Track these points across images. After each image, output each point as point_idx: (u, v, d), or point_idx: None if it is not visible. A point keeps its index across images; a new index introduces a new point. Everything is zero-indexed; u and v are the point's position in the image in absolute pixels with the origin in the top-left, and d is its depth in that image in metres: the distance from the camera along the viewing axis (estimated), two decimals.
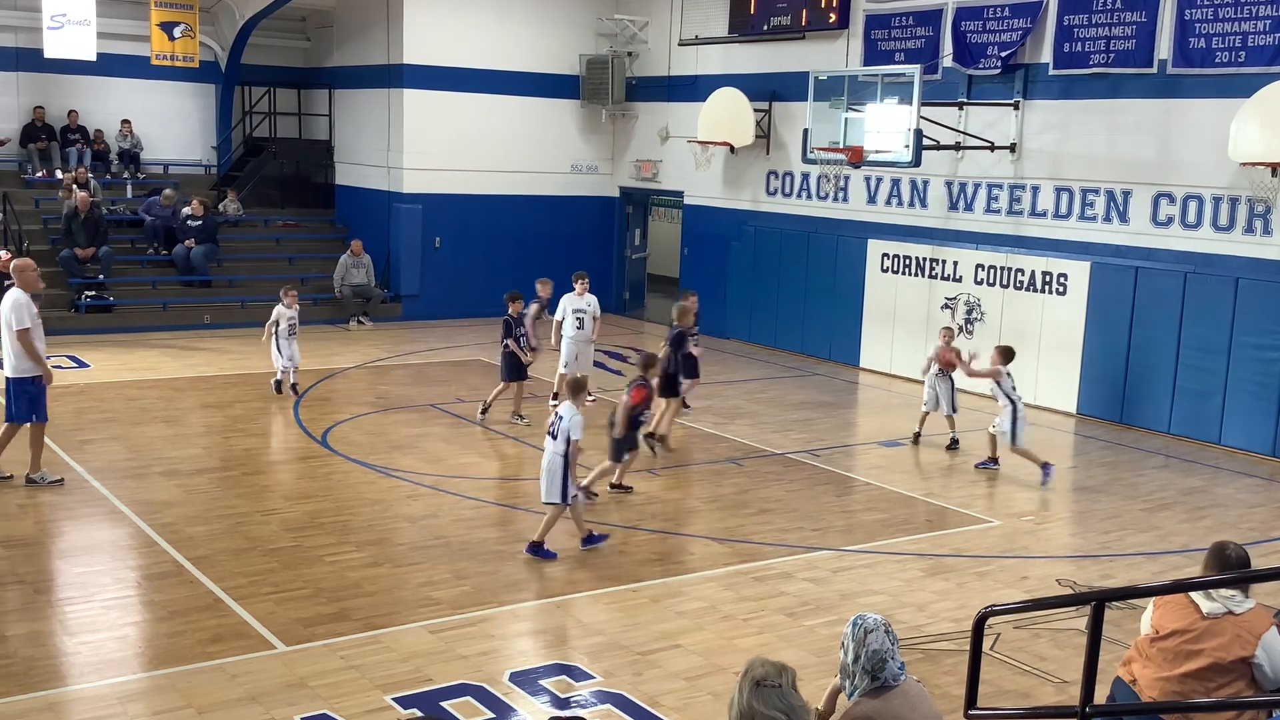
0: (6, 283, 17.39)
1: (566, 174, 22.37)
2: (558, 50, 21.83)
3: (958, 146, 16.16)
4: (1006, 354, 12.43)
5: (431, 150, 20.98)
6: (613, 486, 11.14)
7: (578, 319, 14.35)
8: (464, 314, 21.12)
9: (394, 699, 6.86)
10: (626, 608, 8.46)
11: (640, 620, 8.24)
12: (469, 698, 6.92)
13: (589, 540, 9.57)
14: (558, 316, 14.45)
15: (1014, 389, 12.24)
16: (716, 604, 8.60)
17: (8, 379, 10.76)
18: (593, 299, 14.67)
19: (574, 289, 14.53)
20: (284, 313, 14.63)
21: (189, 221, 20.14)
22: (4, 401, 11.11)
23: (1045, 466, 12.16)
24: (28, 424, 10.68)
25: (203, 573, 8.78)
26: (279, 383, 14.74)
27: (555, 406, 10.24)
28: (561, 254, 22.18)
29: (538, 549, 9.35)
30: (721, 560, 9.60)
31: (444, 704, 6.82)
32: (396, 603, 8.44)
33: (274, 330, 14.60)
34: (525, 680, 7.22)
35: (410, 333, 19.92)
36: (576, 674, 7.35)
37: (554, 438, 9.37)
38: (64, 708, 6.76)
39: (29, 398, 10.62)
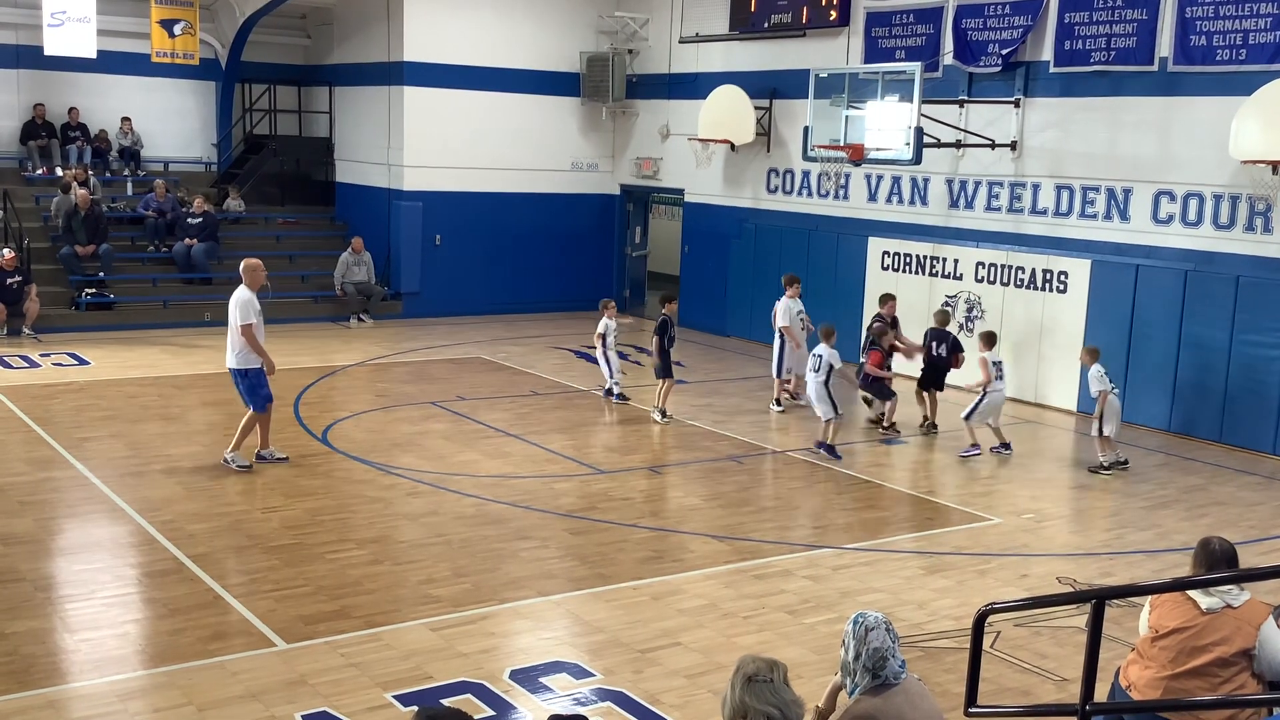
0: (9, 281, 17.53)
1: (567, 171, 22.37)
2: (558, 48, 21.82)
3: (958, 144, 16.16)
4: (990, 339, 13.44)
5: (432, 148, 20.96)
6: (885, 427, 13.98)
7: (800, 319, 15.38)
8: (464, 311, 21.13)
9: (394, 696, 6.86)
10: (627, 605, 8.47)
11: (641, 618, 8.24)
12: (469, 695, 6.92)
13: (830, 450, 12.60)
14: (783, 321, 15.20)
15: (998, 374, 13.12)
16: (717, 602, 8.60)
17: (231, 370, 11.74)
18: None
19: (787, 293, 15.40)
20: (609, 325, 14.74)
21: (189, 219, 20.14)
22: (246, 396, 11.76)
23: (974, 447, 13.08)
24: (267, 408, 11.64)
25: (203, 570, 8.78)
26: (609, 391, 15.05)
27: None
28: (562, 252, 22.25)
29: (830, 449, 12.60)
30: (722, 558, 9.60)
31: (444, 702, 6.82)
32: (397, 600, 8.44)
33: (601, 343, 14.75)
34: (525, 678, 7.22)
35: (411, 330, 19.92)
36: (577, 671, 7.35)
37: (816, 371, 12.92)
38: (64, 705, 6.77)
39: (249, 386, 11.58)
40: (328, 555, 9.25)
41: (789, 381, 15.09)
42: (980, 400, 13.03)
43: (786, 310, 15.20)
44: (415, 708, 6.69)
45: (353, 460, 12.02)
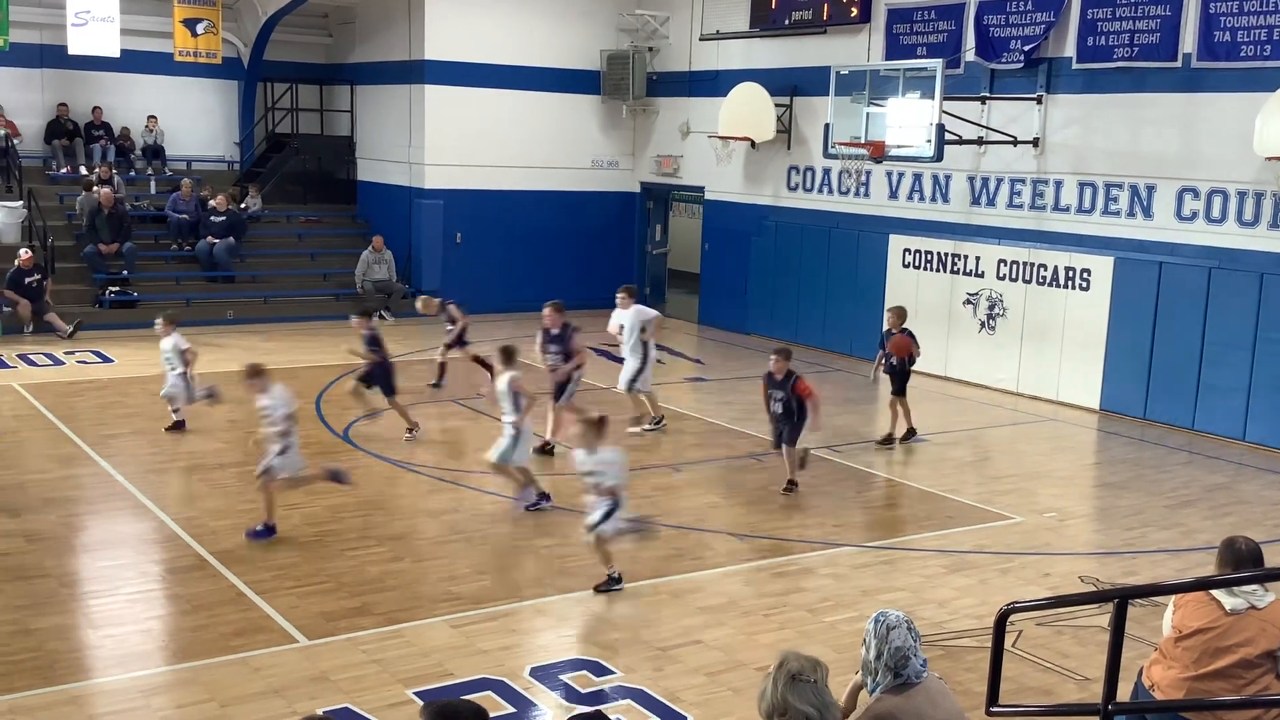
0: (28, 280, 17.66)
1: (587, 169, 22.37)
2: (579, 46, 21.83)
3: (980, 141, 16.08)
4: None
5: (453, 146, 21.00)
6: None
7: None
8: (485, 309, 21.08)
9: (415, 693, 6.88)
10: (647, 603, 8.47)
11: (661, 616, 8.25)
12: (490, 692, 6.93)
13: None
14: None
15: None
16: (737, 600, 8.59)
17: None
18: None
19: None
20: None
21: (212, 217, 20.24)
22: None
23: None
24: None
25: (226, 567, 8.83)
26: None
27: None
28: (582, 249, 22.25)
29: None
30: (742, 556, 9.59)
31: (465, 699, 6.83)
32: (417, 597, 8.47)
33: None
34: (545, 675, 7.23)
35: (431, 328, 19.92)
36: (597, 669, 7.36)
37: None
38: (88, 700, 6.82)
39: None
40: (349, 552, 9.28)
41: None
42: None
43: (619, 320, 13.60)
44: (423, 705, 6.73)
45: (374, 457, 12.05)
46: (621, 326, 13.55)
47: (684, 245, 24.37)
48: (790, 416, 11.16)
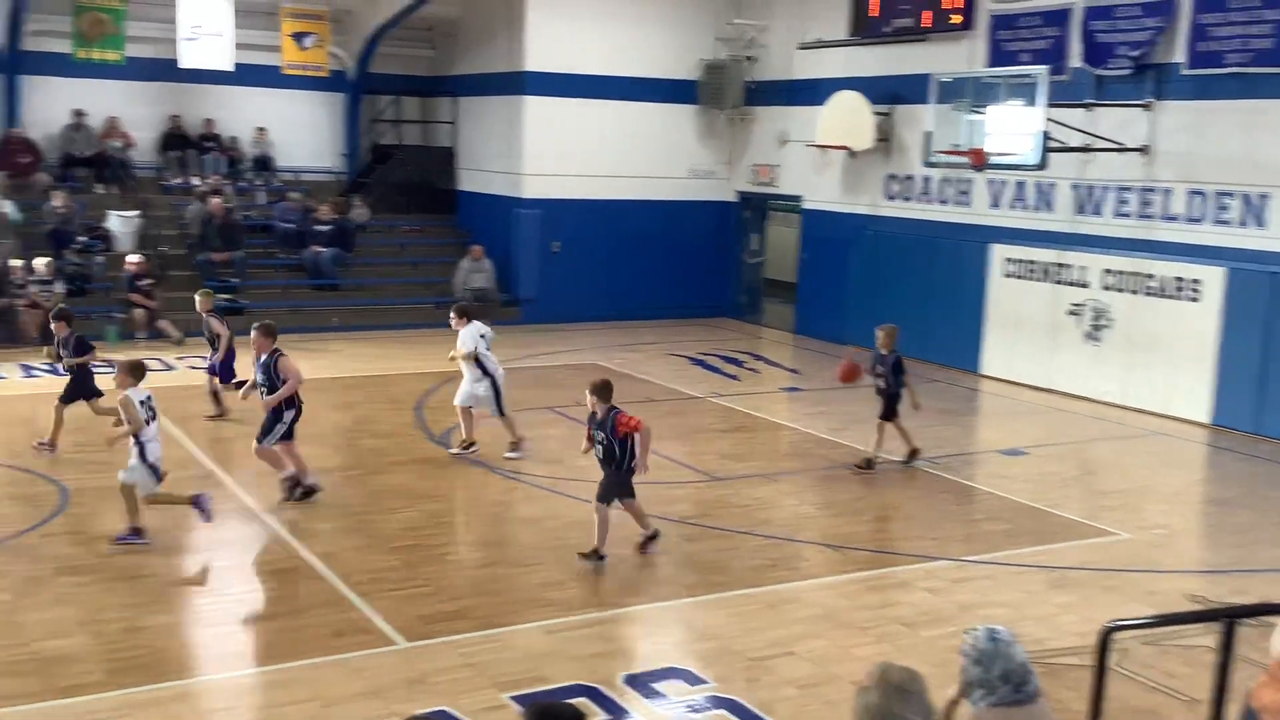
0: (141, 284, 18.25)
1: (684, 179, 22.41)
2: (677, 56, 21.88)
3: (1086, 148, 15.76)
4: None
5: (551, 156, 21.20)
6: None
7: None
8: (581, 318, 21.29)
9: (511, 697, 6.95)
10: (740, 613, 8.44)
11: (754, 626, 8.21)
12: (584, 699, 6.97)
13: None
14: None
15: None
16: (832, 612, 8.52)
17: None
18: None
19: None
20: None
21: (318, 227, 20.70)
22: None
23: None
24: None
25: (328, 568, 9.01)
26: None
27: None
28: (678, 259, 22.29)
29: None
30: (837, 568, 9.51)
31: (565, 701, 6.88)
32: (513, 602, 8.55)
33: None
34: (639, 683, 7.25)
35: (528, 336, 20.15)
36: (690, 678, 7.35)
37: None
38: (194, 697, 7.01)
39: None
40: (447, 556, 9.41)
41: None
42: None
43: (472, 337, 12.40)
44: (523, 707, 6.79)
45: (471, 464, 12.20)
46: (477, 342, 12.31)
47: (780, 254, 24.26)
48: (613, 461, 9.28)
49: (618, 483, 9.31)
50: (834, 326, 20.12)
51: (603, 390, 9.28)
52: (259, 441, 10.64)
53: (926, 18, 18.26)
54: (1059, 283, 16.59)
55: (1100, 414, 15.44)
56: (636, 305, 21.88)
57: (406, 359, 17.66)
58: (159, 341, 18.12)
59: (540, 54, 20.92)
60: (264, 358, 10.62)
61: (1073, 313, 16.37)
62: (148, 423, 9.43)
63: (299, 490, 10.58)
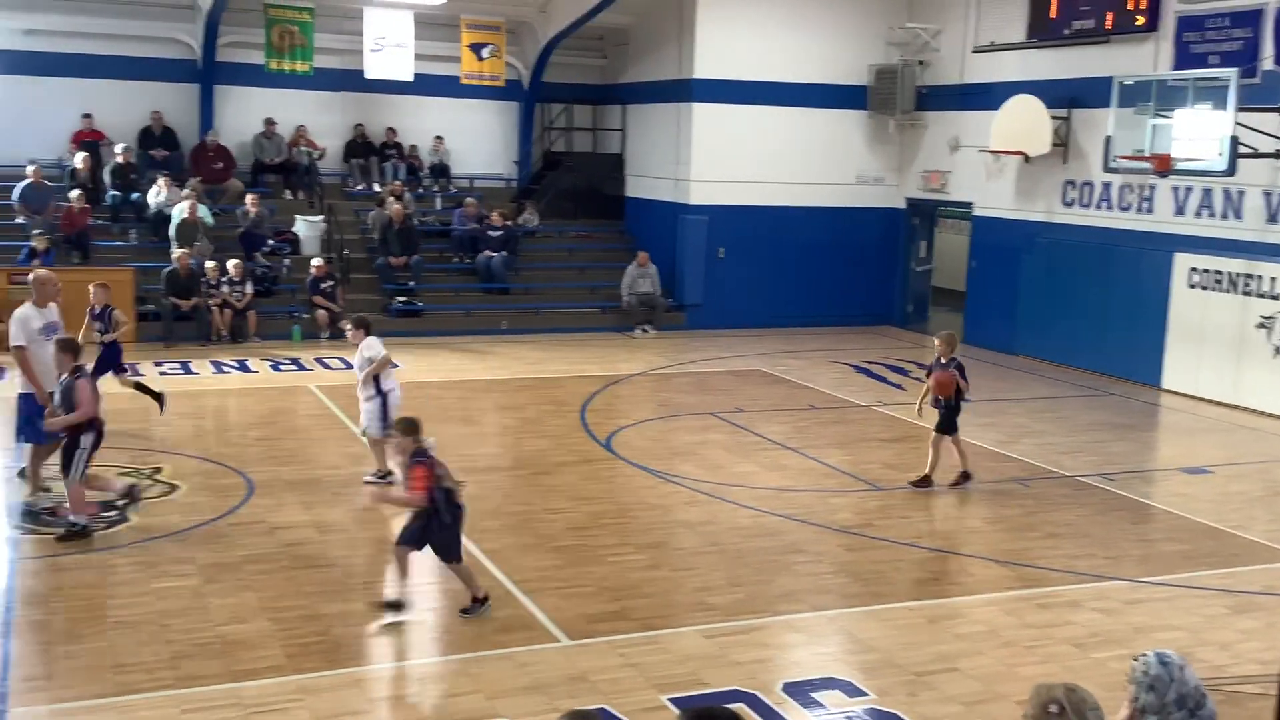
0: (324, 286, 19.04)
1: (852, 185, 22.19)
2: (846, 61, 21.70)
3: (1278, 154, 15.01)
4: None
5: (718, 162, 21.27)
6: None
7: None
8: (746, 324, 21.29)
9: (669, 699, 7.02)
10: (902, 626, 8.34)
11: (916, 640, 8.10)
12: (742, 705, 6.99)
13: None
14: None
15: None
16: (998, 629, 8.34)
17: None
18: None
19: None
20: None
21: (490, 232, 21.24)
22: None
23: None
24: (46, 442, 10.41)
25: (495, 565, 9.25)
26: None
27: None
28: (845, 266, 22.09)
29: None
30: (1004, 584, 9.30)
31: (723, 705, 6.92)
32: (673, 605, 8.63)
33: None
34: (798, 691, 7.23)
35: (692, 342, 20.26)
36: (850, 689, 7.30)
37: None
38: (368, 684, 7.30)
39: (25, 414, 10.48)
40: (609, 557, 9.55)
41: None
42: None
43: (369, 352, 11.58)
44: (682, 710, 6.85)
45: (634, 467, 12.35)
46: (370, 360, 11.48)
47: (950, 262, 23.81)
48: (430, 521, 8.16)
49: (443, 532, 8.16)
50: (1004, 336, 19.63)
51: (412, 428, 8.17)
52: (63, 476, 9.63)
53: (1109, 19, 17.68)
54: (1247, 294, 15.84)
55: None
56: (801, 312, 21.76)
57: (573, 362, 17.97)
58: (340, 341, 18.84)
59: (709, 61, 21.01)
60: (64, 377, 9.46)
61: (1262, 326, 15.60)
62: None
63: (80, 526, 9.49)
